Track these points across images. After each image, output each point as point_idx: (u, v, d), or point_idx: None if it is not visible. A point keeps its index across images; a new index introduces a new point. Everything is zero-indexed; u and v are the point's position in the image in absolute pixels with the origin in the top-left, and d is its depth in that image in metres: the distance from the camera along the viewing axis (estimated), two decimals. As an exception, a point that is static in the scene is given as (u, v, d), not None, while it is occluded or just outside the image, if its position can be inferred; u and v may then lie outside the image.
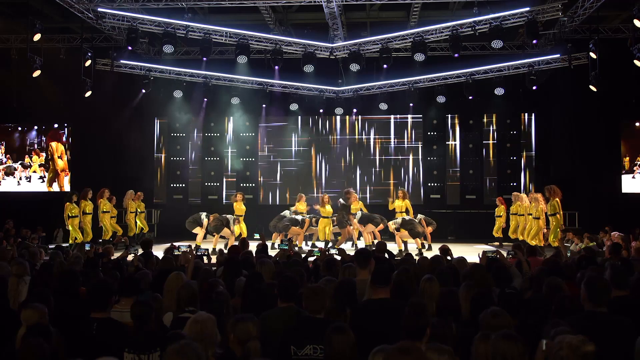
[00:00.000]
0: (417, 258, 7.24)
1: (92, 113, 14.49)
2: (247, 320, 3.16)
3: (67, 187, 15.88)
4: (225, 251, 9.68)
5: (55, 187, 16.01)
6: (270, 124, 16.89)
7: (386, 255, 7.43)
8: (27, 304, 3.81)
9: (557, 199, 10.60)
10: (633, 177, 15.29)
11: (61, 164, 16.06)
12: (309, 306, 3.50)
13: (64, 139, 16.19)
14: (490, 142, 16.25)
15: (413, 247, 11.56)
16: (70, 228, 11.51)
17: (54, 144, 16.09)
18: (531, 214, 11.55)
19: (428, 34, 12.45)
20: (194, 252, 6.83)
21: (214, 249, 11.22)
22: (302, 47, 13.21)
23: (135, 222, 13.14)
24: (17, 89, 13.94)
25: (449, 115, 16.29)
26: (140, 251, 7.29)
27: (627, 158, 15.41)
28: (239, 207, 12.12)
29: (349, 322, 3.60)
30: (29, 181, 16.12)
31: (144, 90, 14.67)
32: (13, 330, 3.55)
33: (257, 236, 11.11)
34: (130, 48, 12.53)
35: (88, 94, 13.15)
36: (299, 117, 16.55)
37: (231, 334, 3.17)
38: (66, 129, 16.27)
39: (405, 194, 12.59)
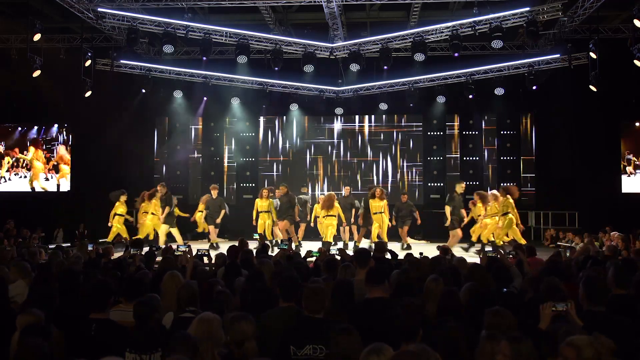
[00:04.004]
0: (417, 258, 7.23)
1: (92, 113, 14.49)
2: (242, 320, 3.15)
3: (50, 187, 16.10)
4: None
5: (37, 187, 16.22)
6: (270, 124, 16.91)
7: (389, 255, 7.45)
8: (25, 307, 3.81)
9: (511, 199, 10.61)
10: (628, 176, 15.33)
11: (39, 166, 16.20)
12: (308, 306, 3.50)
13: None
14: (490, 142, 16.26)
15: (415, 247, 11.57)
16: (116, 226, 11.60)
17: (32, 149, 16.34)
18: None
19: (428, 34, 12.45)
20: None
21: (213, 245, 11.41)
22: (302, 47, 13.22)
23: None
24: (17, 89, 13.96)
25: (449, 115, 16.29)
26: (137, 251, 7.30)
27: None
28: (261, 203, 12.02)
29: (347, 322, 3.60)
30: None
31: (144, 90, 14.67)
32: (13, 330, 3.54)
33: (256, 236, 11.13)
34: (130, 48, 12.53)
35: (88, 94, 13.16)
36: (299, 117, 16.55)
37: (228, 334, 3.17)
38: (65, 130, 16.35)
39: (383, 193, 11.94)
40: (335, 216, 11.75)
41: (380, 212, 11.67)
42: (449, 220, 11.35)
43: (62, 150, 16.30)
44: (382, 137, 16.61)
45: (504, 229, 10.72)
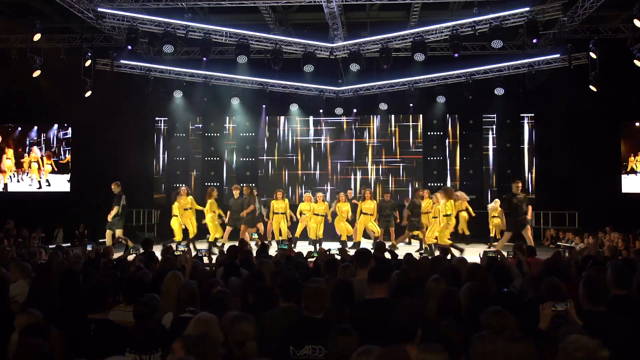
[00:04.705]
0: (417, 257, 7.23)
1: (92, 113, 14.49)
2: (242, 320, 3.15)
3: (33, 186, 16.19)
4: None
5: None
6: (270, 124, 16.90)
7: (389, 255, 7.46)
8: (24, 307, 3.80)
9: (452, 201, 10.50)
10: (627, 174, 15.35)
11: (8, 164, 16.27)
12: (308, 306, 3.50)
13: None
14: (490, 141, 16.26)
15: (415, 247, 11.57)
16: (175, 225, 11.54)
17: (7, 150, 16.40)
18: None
19: (428, 34, 12.45)
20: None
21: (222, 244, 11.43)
22: (302, 47, 13.21)
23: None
24: (17, 89, 13.96)
25: (449, 115, 16.30)
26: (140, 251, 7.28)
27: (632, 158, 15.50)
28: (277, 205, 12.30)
29: (347, 322, 3.60)
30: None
31: (143, 90, 14.67)
32: (13, 330, 3.54)
33: (255, 236, 11.14)
34: (130, 48, 12.53)
35: (88, 94, 13.16)
36: (299, 117, 16.55)
37: (228, 334, 3.17)
38: (60, 130, 16.35)
39: (371, 194, 12.37)
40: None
41: (371, 214, 12.01)
42: (503, 223, 11.04)
43: (35, 151, 16.29)
44: (381, 137, 16.60)
45: (442, 230, 10.57)
